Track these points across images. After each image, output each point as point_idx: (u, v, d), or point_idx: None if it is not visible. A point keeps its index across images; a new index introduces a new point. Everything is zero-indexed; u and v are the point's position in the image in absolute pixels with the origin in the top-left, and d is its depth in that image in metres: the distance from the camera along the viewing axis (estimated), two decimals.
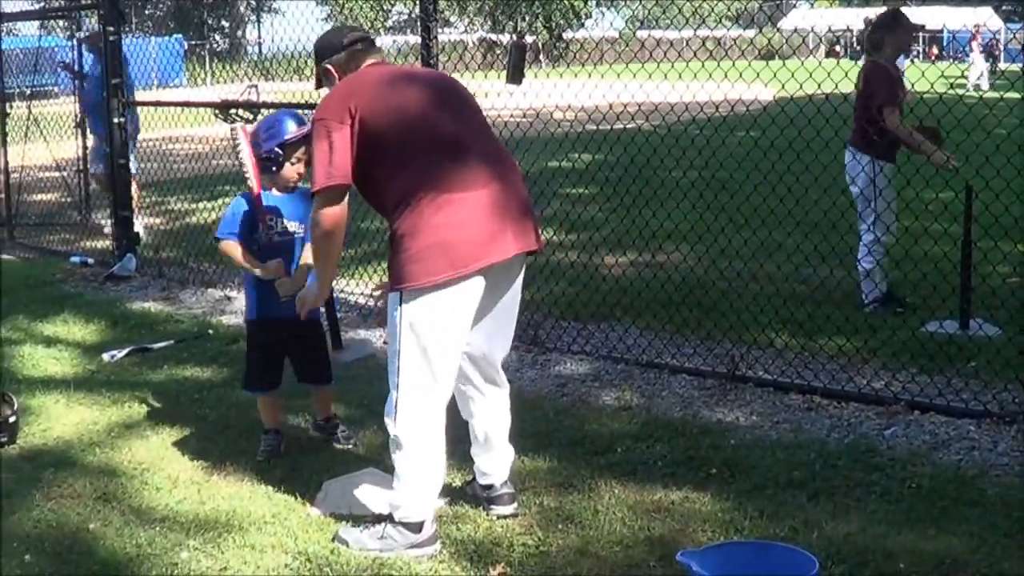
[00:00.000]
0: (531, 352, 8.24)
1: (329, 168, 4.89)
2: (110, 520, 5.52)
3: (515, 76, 8.76)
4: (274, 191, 6.34)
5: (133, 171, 12.41)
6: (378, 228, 11.64)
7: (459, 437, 5.53)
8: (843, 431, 6.49)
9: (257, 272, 6.27)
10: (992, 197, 7.89)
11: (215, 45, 62.37)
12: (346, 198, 4.98)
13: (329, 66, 5.32)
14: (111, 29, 11.44)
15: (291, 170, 6.25)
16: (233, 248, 6.32)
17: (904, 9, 9.78)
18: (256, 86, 9.60)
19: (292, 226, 6.30)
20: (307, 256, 6.12)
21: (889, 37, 8.96)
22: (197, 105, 11.81)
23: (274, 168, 6.23)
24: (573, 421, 6.77)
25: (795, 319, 8.40)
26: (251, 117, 10.42)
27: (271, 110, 10.16)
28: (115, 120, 11.39)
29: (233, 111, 10.19)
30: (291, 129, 6.21)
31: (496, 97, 12.60)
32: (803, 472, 5.83)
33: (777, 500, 5.49)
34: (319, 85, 5.49)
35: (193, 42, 55.45)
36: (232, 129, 6.51)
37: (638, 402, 7.12)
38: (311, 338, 6.41)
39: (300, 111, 6.86)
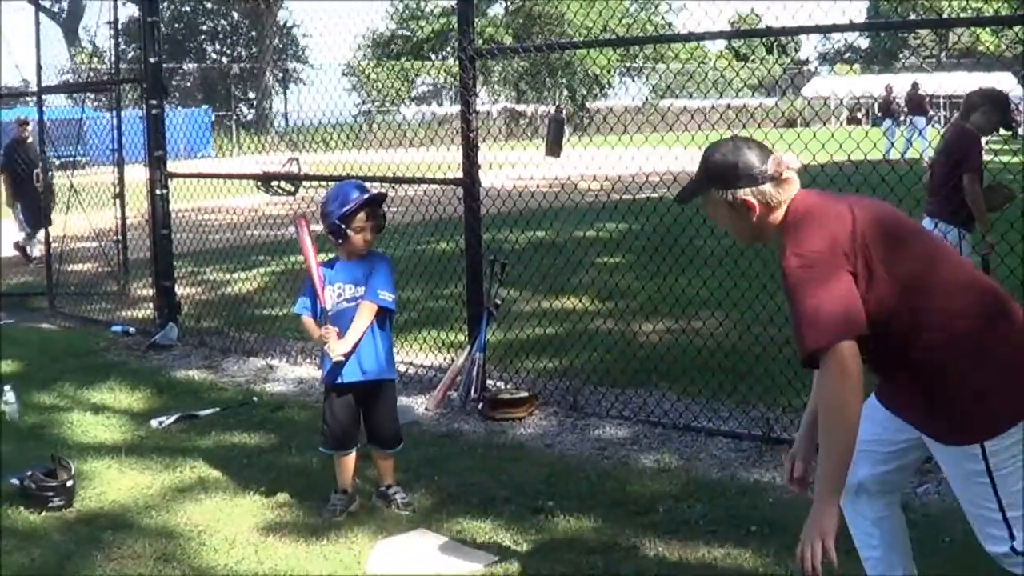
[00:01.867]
0: (570, 417, 8.44)
1: (832, 318, 3.93)
2: None
3: (554, 149, 9.01)
4: (344, 259, 6.69)
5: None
6: (417, 298, 11.90)
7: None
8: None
9: (314, 338, 6.63)
10: (1017, 261, 7.94)
11: (242, 116, 62.95)
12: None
13: (747, 197, 4.24)
14: (153, 103, 11.71)
15: (358, 238, 6.52)
16: (305, 321, 6.72)
17: (925, 75, 10.02)
18: (297, 159, 9.90)
19: (360, 291, 6.56)
20: (359, 320, 6.41)
21: (987, 110, 9.15)
22: (239, 177, 12.03)
23: (341, 240, 6.48)
24: (614, 483, 6.95)
25: None
26: (292, 189, 10.77)
27: (311, 183, 10.52)
28: (157, 192, 11.64)
29: (275, 183, 10.53)
30: (354, 198, 6.51)
31: (523, 168, 12.77)
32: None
33: None
34: (700, 205, 4.49)
35: (220, 113, 56.01)
36: (296, 222, 6.81)
37: (677, 464, 7.31)
38: (382, 402, 6.71)
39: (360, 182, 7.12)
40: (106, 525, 6.53)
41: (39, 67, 14.75)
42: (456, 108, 9.35)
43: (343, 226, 6.48)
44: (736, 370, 9.10)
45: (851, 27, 8.55)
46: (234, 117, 58.71)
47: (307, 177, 10.62)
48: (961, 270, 4.21)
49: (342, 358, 6.43)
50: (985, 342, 4.01)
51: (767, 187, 4.18)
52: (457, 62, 9.04)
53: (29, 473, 6.90)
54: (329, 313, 6.56)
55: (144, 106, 11.96)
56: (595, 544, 5.95)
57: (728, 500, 6.57)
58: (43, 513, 6.72)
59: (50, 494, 6.81)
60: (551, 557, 5.80)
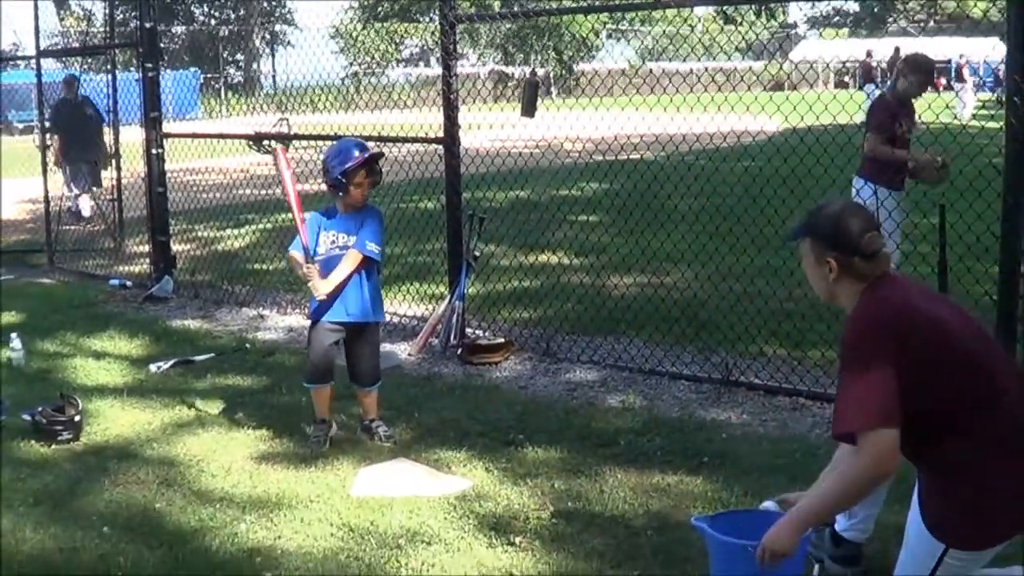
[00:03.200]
0: (544, 362, 9.01)
1: (873, 406, 4.08)
2: (173, 500, 6.29)
3: (528, 110, 9.50)
4: (340, 210, 7.22)
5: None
6: (401, 253, 12.41)
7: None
8: (824, 427, 7.18)
9: (299, 273, 7.19)
10: (974, 217, 8.29)
11: (230, 78, 63.09)
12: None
13: (831, 260, 4.36)
14: (149, 66, 12.17)
15: (356, 192, 7.08)
16: (292, 255, 7.23)
17: (911, 40, 10.55)
18: (287, 119, 10.38)
19: (352, 240, 7.12)
20: (343, 264, 7.05)
21: (910, 77, 9.72)
22: (232, 137, 12.50)
23: (341, 192, 7.05)
24: (581, 420, 7.52)
25: (784, 332, 9.13)
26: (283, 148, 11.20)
27: (302, 142, 11.00)
28: (153, 151, 12.14)
29: (266, 142, 11.00)
30: (356, 156, 7.04)
31: (510, 128, 13.16)
32: (786, 460, 6.57)
33: (761, 483, 6.20)
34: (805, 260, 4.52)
35: (208, 75, 56.21)
36: (272, 151, 7.32)
37: (640, 404, 7.87)
38: (363, 343, 7.29)
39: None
40: (111, 456, 7.08)
41: (37, 31, 15.15)
42: (440, 70, 9.82)
43: (344, 180, 7.02)
44: (700, 320, 9.66)
45: None
46: (222, 79, 58.91)
47: (297, 136, 11.09)
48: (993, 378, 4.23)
49: (324, 297, 7.01)
50: (987, 458, 4.14)
51: (855, 259, 4.29)
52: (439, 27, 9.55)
53: (40, 409, 7.45)
54: (321, 257, 7.11)
55: (140, 69, 12.38)
56: (560, 471, 6.51)
57: (685, 435, 7.12)
58: (52, 446, 7.28)
59: (59, 428, 7.36)
60: (520, 483, 6.36)
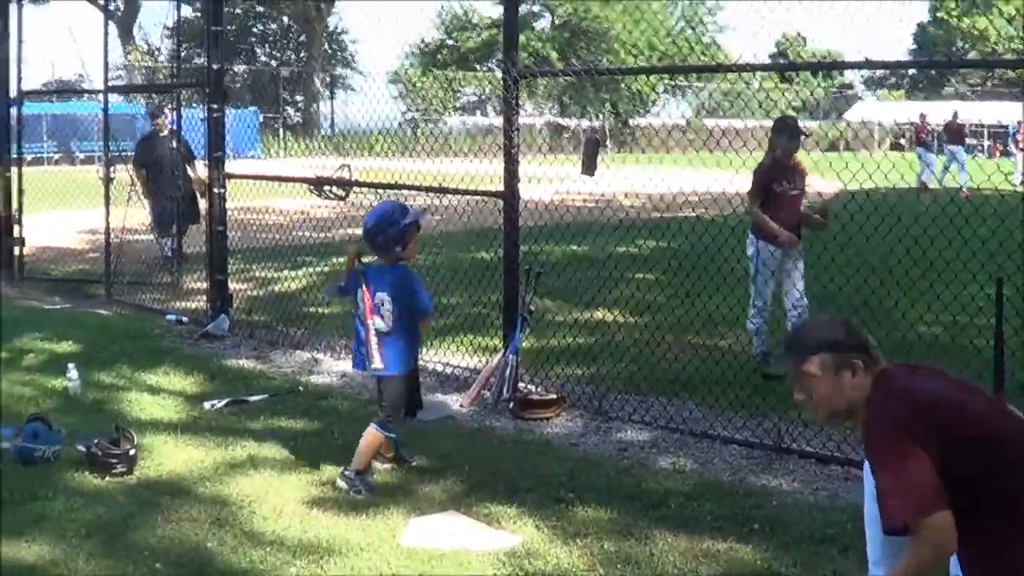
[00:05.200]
0: (595, 420, 9.02)
1: (919, 493, 4.15)
2: (224, 540, 6.34)
3: (589, 168, 9.55)
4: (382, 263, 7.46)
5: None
6: (456, 304, 12.45)
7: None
8: None
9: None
10: None
11: (288, 119, 63.71)
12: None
13: (857, 360, 4.50)
14: (215, 106, 12.32)
15: (412, 249, 7.42)
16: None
17: (968, 104, 10.89)
18: (348, 166, 10.49)
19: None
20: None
21: (775, 139, 10.52)
22: (294, 180, 12.61)
23: (400, 248, 7.35)
24: (632, 480, 7.52)
25: None
26: (343, 194, 11.36)
27: (362, 189, 11.11)
28: (215, 190, 12.27)
29: (327, 188, 11.12)
30: (411, 215, 7.38)
31: (564, 182, 13.21)
32: (837, 530, 6.55)
33: (811, 552, 6.23)
34: (818, 381, 4.60)
35: (268, 115, 56.74)
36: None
37: (691, 467, 7.87)
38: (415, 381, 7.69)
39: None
40: (164, 491, 7.14)
41: (106, 67, 15.35)
42: (500, 120, 9.91)
43: (404, 238, 7.31)
44: (752, 384, 9.64)
45: (897, 64, 8.98)
46: (281, 119, 59.48)
47: (358, 183, 11.19)
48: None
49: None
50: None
51: (868, 353, 4.51)
52: (502, 81, 9.65)
53: (96, 441, 7.53)
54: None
55: (206, 109, 12.54)
56: (611, 532, 6.51)
57: (735, 500, 7.11)
58: (106, 478, 7.34)
59: (114, 461, 7.43)
60: (570, 542, 6.36)
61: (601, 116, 59.76)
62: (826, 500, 7.20)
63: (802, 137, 10.64)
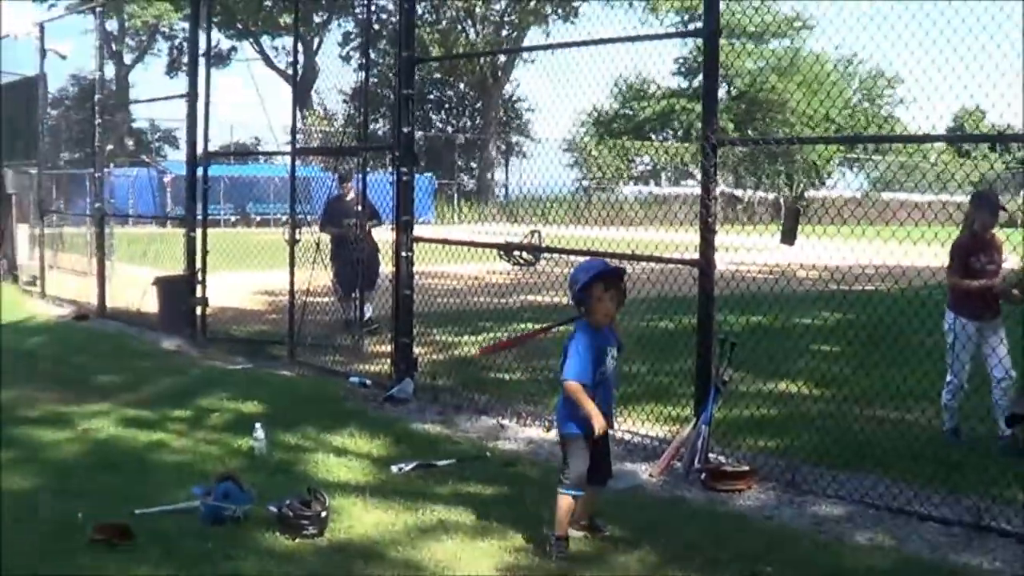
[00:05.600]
0: (788, 493, 8.82)
1: None
2: None
3: (788, 237, 9.42)
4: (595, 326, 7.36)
5: None
6: (638, 371, 12.33)
7: None
8: None
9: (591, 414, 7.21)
10: None
11: (463, 185, 64.40)
12: None
13: None
14: (404, 170, 12.42)
15: (598, 306, 7.27)
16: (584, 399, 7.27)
17: None
18: (539, 231, 10.47)
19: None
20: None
21: (974, 213, 10.31)
22: (482, 245, 12.64)
23: (584, 308, 7.25)
24: (830, 556, 7.33)
25: None
26: (533, 260, 11.33)
27: (553, 255, 11.09)
28: (403, 254, 12.34)
29: (516, 252, 11.12)
30: (592, 272, 7.29)
31: (737, 253, 13.09)
32: None
33: None
34: None
35: (442, 180, 57.40)
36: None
37: (889, 543, 7.64)
38: (606, 442, 7.45)
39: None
40: (356, 555, 7.13)
41: (294, 131, 15.63)
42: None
43: (586, 296, 7.24)
44: (947, 461, 9.37)
45: None
46: (455, 185, 60.11)
47: (548, 249, 11.16)
48: None
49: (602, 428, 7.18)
50: None
51: None
52: (700, 149, 9.58)
53: (288, 502, 7.54)
54: (606, 373, 7.30)
55: (394, 172, 12.64)
56: None
57: None
58: (297, 540, 7.35)
59: (305, 523, 7.44)
60: None
61: (776, 187, 59.43)
62: None
63: (1001, 212, 10.41)
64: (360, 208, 15.88)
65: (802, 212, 9.41)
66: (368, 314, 16.54)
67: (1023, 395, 5.16)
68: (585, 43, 11.08)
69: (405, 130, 12.46)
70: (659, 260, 10.10)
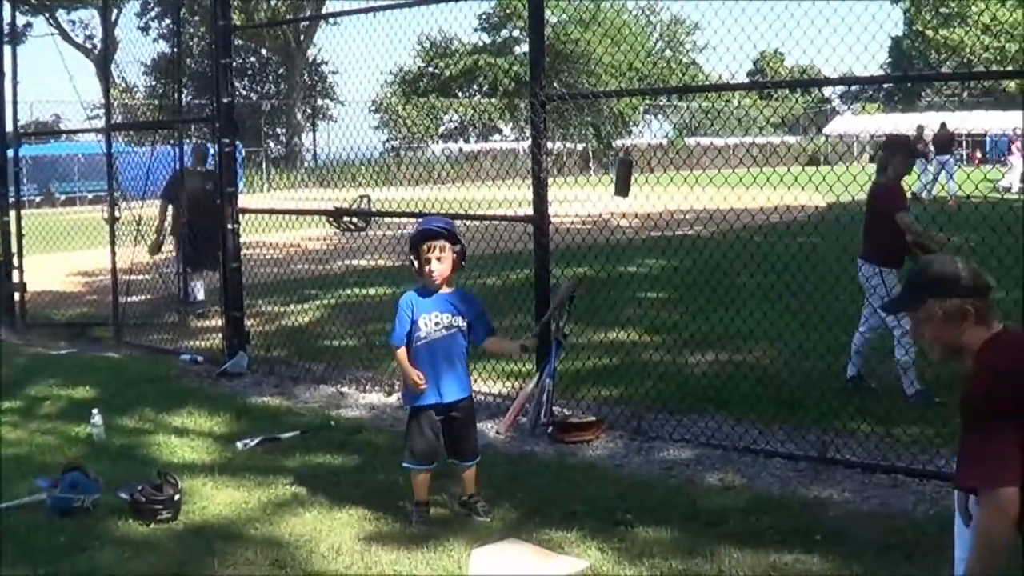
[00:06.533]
0: (635, 440, 8.96)
1: (997, 464, 4.14)
2: None
3: (622, 189, 9.48)
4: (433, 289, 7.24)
5: None
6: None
7: None
8: (927, 504, 7.18)
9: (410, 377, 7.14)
10: None
11: (271, 152, 63.63)
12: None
13: (971, 307, 4.44)
14: (226, 141, 12.22)
15: (425, 268, 7.12)
16: (400, 356, 7.21)
17: (947, 114, 10.87)
18: (368, 197, 10.41)
19: (456, 320, 7.21)
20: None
21: (890, 161, 10.06)
22: (311, 213, 12.54)
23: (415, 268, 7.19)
24: (685, 499, 7.45)
25: (869, 409, 9.16)
26: (364, 225, 11.28)
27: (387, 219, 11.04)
28: (229, 226, 12.16)
29: (346, 219, 11.05)
30: (417, 231, 7.19)
31: (552, 205, 13.22)
32: (897, 538, 6.53)
33: (878, 561, 6.22)
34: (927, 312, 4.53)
35: (250, 148, 56.63)
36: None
37: (740, 482, 7.82)
38: (464, 419, 7.27)
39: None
40: (214, 535, 7.02)
41: (108, 105, 15.27)
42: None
43: (415, 257, 7.14)
44: (782, 397, 9.61)
45: (873, 79, 9.08)
46: (263, 153, 59.35)
47: (378, 213, 11.12)
48: None
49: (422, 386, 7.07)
50: None
51: (987, 300, 4.43)
52: (529, 106, 9.62)
53: (140, 488, 7.39)
54: (424, 341, 7.12)
55: (216, 144, 12.45)
56: (675, 551, 6.45)
57: (792, 513, 7.07)
58: (151, 525, 7.20)
59: (159, 507, 7.29)
60: (637, 563, 6.30)
61: (583, 137, 59.91)
62: (879, 508, 7.19)
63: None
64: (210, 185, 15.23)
65: (634, 163, 9.45)
66: (200, 296, 16.19)
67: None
68: (391, 7, 11.09)
69: (225, 100, 12.23)
70: (493, 218, 10.09)
